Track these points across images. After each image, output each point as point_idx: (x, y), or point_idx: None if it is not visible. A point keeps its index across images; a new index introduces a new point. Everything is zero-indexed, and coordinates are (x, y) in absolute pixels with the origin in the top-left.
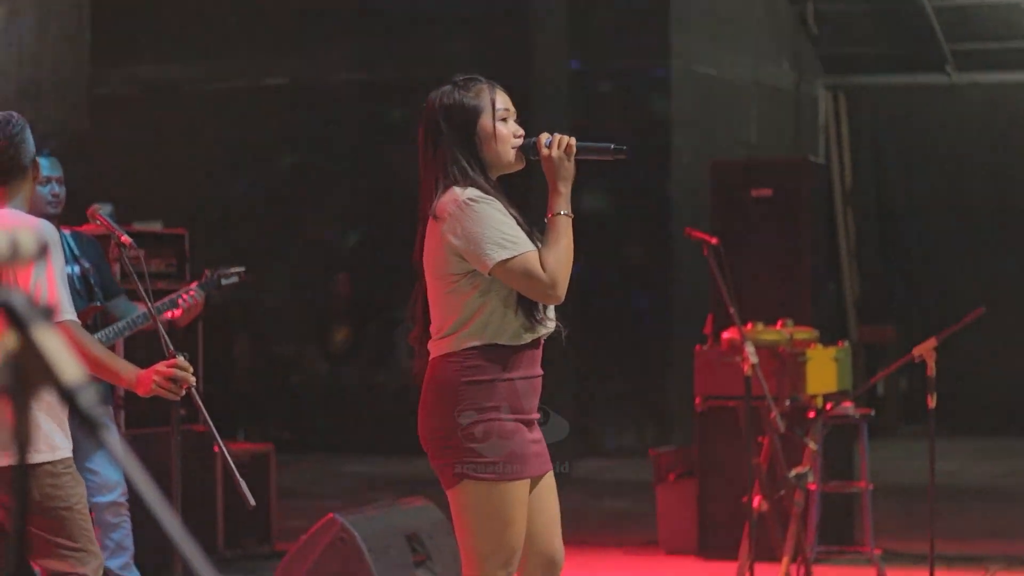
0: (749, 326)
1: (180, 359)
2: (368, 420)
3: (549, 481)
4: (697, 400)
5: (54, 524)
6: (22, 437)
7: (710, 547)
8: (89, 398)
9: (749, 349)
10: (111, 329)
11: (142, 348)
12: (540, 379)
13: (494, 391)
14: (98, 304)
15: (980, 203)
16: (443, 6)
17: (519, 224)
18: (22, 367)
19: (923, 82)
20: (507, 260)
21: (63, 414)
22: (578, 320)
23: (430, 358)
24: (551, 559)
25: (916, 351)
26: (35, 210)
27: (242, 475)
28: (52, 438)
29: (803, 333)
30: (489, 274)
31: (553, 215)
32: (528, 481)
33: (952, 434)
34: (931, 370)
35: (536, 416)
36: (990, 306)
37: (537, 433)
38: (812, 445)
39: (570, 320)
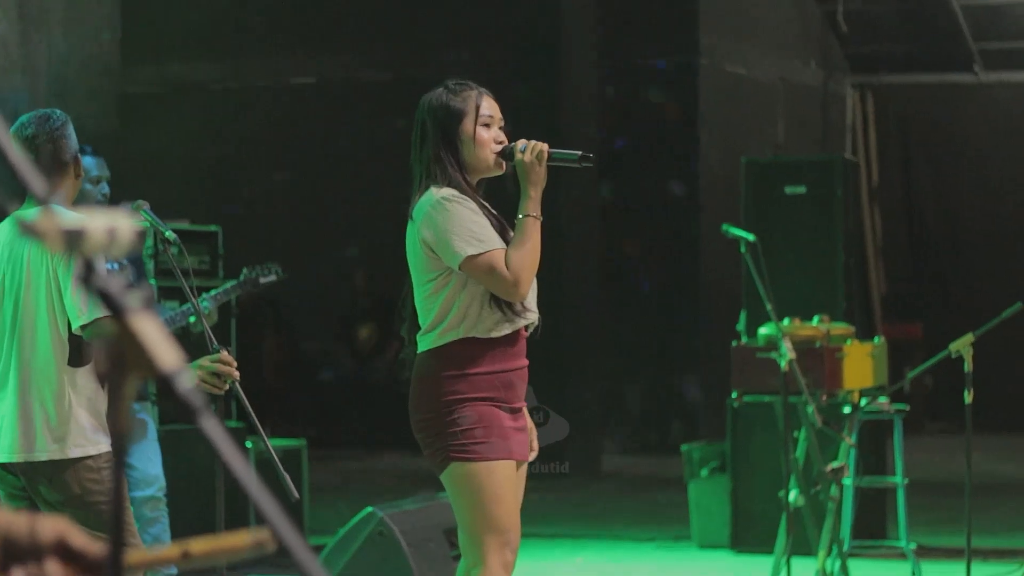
0: (786, 322)
1: (224, 353)
2: (395, 416)
3: (523, 469)
4: (735, 395)
5: (94, 518)
6: (120, 424)
7: (743, 541)
8: (186, 383)
9: (786, 344)
10: None
11: (181, 343)
12: (525, 369)
13: (475, 383)
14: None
15: (1007, 201)
16: (473, 5)
17: (494, 225)
18: (119, 353)
19: (950, 81)
20: (474, 256)
21: (102, 408)
22: (604, 317)
23: (416, 353)
24: (509, 535)
25: (953, 347)
26: (86, 209)
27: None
28: (92, 433)
29: (839, 329)
30: (459, 269)
31: (522, 216)
32: (513, 462)
33: (981, 430)
34: (969, 365)
35: (520, 405)
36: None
37: (520, 422)
38: (849, 440)
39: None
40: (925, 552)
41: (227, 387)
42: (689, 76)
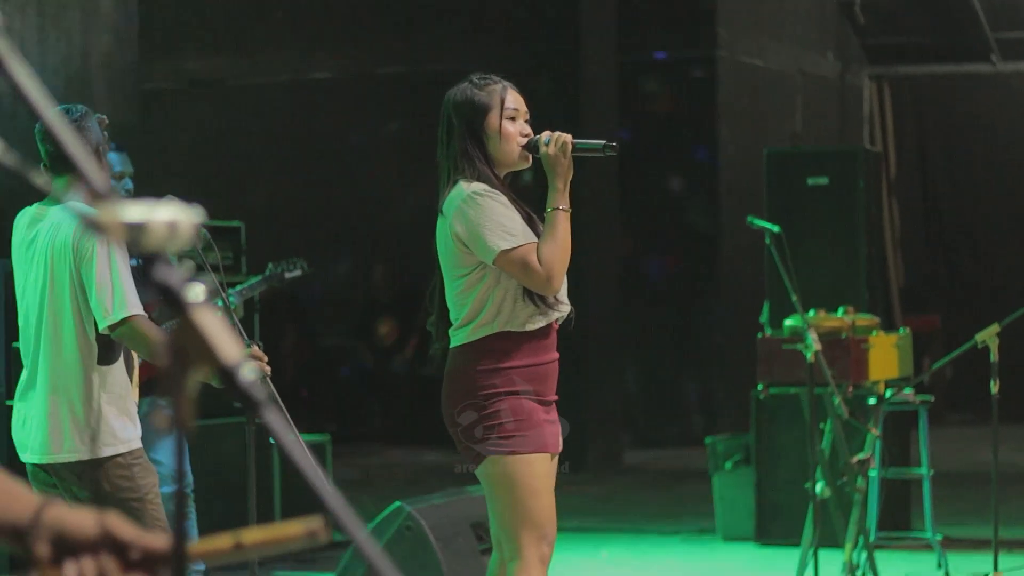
0: (811, 313)
1: (255, 348)
2: (416, 411)
3: (554, 463)
4: (760, 387)
5: (126, 515)
6: (182, 417)
7: (768, 534)
8: (249, 376)
9: (812, 336)
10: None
11: None
12: (556, 363)
13: (511, 376)
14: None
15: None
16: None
17: (525, 219)
18: (181, 347)
19: (968, 71)
20: (508, 251)
21: (131, 405)
22: (624, 310)
23: (449, 348)
24: (546, 530)
25: (980, 337)
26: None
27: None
28: (121, 431)
29: (864, 320)
30: (493, 264)
31: (551, 210)
32: (548, 456)
33: (1004, 421)
34: (995, 355)
35: (553, 398)
36: None
37: (553, 414)
38: (875, 431)
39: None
40: (951, 543)
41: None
42: (707, 68)
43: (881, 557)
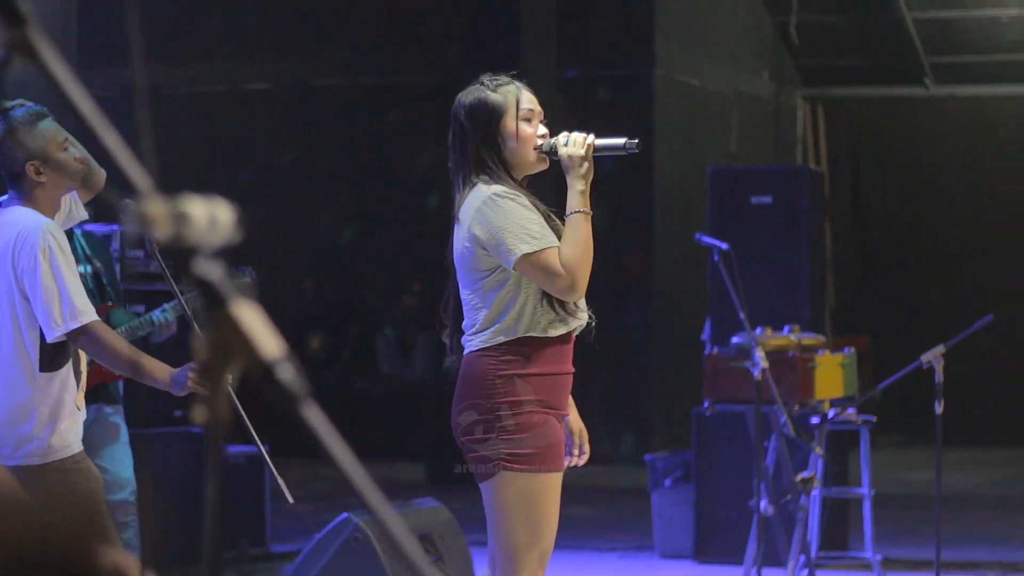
0: (758, 331)
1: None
2: (347, 426)
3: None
4: (706, 404)
5: (67, 521)
6: (217, 414)
7: (706, 551)
8: (288, 372)
9: (759, 354)
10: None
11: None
12: (571, 376)
13: (528, 385)
14: (110, 304)
15: (957, 215)
16: (429, 12)
17: (547, 222)
18: (220, 342)
19: (901, 94)
20: (529, 255)
21: (71, 411)
22: None
23: (463, 354)
24: (544, 550)
25: (925, 358)
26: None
27: (238, 477)
28: (57, 436)
29: (810, 339)
30: (513, 268)
31: (571, 213)
32: (561, 473)
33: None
34: (939, 376)
35: (565, 412)
36: (968, 317)
37: (563, 428)
38: (818, 450)
39: None
40: (889, 564)
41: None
42: (644, 87)
43: None
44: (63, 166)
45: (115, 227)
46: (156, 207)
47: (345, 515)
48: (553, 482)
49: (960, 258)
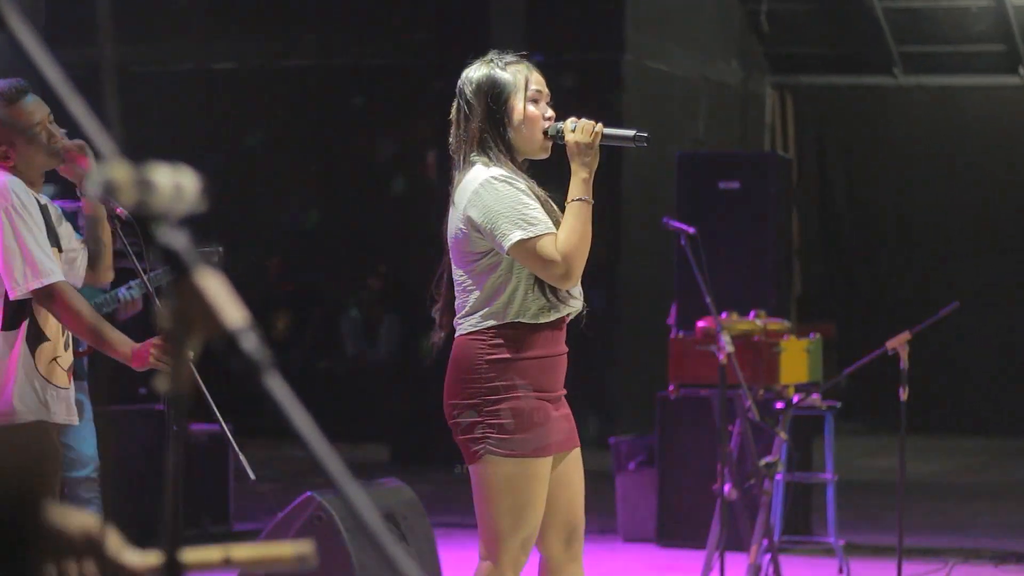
0: (723, 316)
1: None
2: (312, 406)
3: (575, 456)
4: (671, 388)
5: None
6: (179, 384)
7: (669, 536)
8: (251, 342)
9: (725, 338)
10: None
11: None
12: (565, 356)
13: (518, 369)
14: None
15: (923, 204)
16: None
17: (545, 207)
18: (183, 310)
19: (870, 83)
20: (524, 241)
21: (29, 380)
22: None
23: (454, 337)
24: (572, 530)
25: (889, 344)
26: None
27: (199, 455)
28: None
29: (776, 324)
30: (507, 254)
31: (572, 200)
32: (550, 459)
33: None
34: (904, 363)
35: (561, 393)
36: (934, 305)
37: (564, 409)
38: (782, 435)
39: None
40: (851, 550)
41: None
42: (613, 72)
43: (784, 561)
44: (39, 142)
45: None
46: (121, 173)
47: (308, 494)
48: (540, 468)
49: (926, 246)
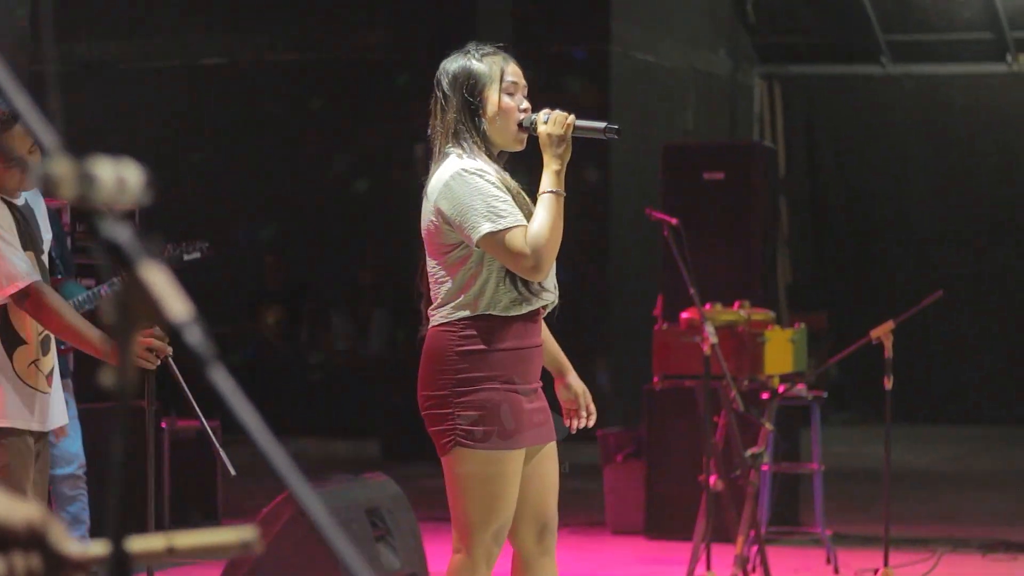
0: (708, 307)
1: (156, 328)
2: (302, 401)
3: (550, 450)
4: (655, 380)
5: None
6: (125, 376)
7: (657, 527)
8: (195, 335)
9: (709, 329)
10: None
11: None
12: (540, 348)
13: (489, 361)
14: (59, 277)
15: (912, 193)
16: None
17: (516, 200)
18: (127, 304)
19: (858, 72)
20: (493, 233)
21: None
22: None
23: (428, 329)
24: (544, 524)
25: (873, 333)
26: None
27: (188, 451)
28: None
29: (760, 314)
30: (476, 246)
31: (543, 192)
32: (523, 452)
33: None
34: (888, 352)
35: (537, 385)
36: (924, 294)
37: (538, 402)
38: (768, 425)
39: None
40: (838, 539)
41: (159, 362)
42: (601, 63)
43: (771, 552)
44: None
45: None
46: (61, 167)
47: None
48: (511, 461)
49: (917, 235)
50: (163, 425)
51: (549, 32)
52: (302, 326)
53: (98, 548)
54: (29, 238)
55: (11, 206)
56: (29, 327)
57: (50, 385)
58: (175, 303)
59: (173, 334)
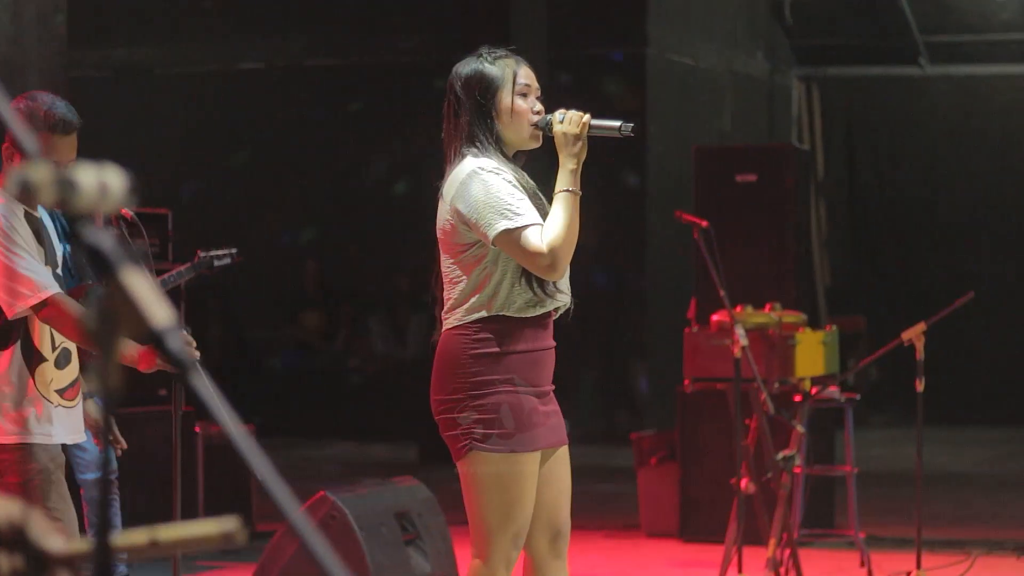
0: (739, 309)
1: (184, 333)
2: (341, 405)
3: (563, 454)
4: (686, 382)
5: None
6: (108, 381)
7: (691, 530)
8: (177, 341)
9: (740, 332)
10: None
11: None
12: (552, 351)
13: (503, 363)
14: (89, 283)
15: (950, 194)
16: None
17: (532, 200)
18: (110, 310)
19: (896, 74)
20: (509, 231)
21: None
22: None
23: (442, 331)
24: (557, 530)
25: (905, 335)
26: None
27: (223, 456)
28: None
29: (791, 317)
30: (492, 244)
31: (560, 192)
32: (539, 454)
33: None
34: (919, 354)
35: (550, 388)
36: (959, 296)
37: (551, 405)
38: (799, 428)
39: None
40: (873, 542)
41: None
42: (638, 66)
43: (805, 554)
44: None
45: None
46: (40, 173)
47: (322, 493)
48: (527, 463)
49: (955, 237)
50: (196, 430)
51: (585, 35)
52: (341, 331)
53: (81, 544)
54: (49, 254)
55: (30, 218)
56: (48, 343)
57: (71, 399)
58: (158, 309)
59: (156, 337)
